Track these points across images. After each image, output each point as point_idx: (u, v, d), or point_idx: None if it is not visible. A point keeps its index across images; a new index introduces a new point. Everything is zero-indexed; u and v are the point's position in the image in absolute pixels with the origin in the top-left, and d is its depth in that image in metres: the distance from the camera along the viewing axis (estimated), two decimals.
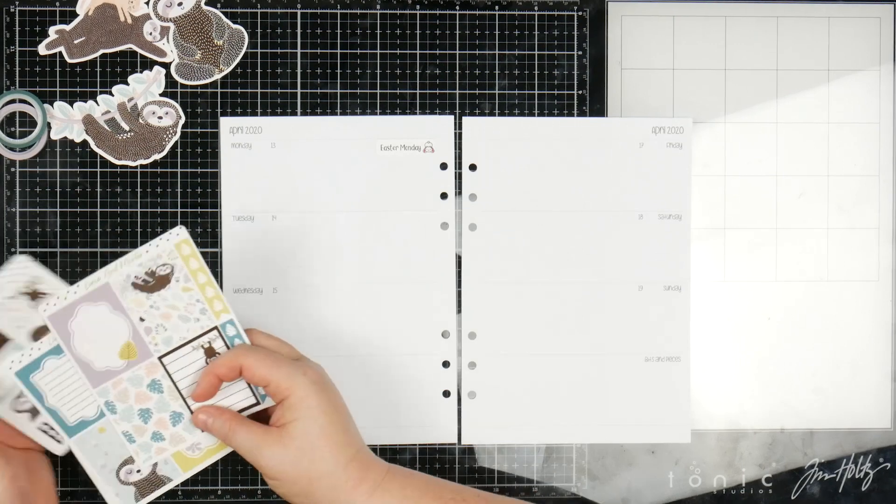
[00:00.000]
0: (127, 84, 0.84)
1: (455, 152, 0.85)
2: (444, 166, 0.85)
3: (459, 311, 0.85)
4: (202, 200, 0.85)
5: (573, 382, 0.85)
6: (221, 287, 0.84)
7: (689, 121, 0.86)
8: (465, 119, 0.85)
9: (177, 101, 0.85)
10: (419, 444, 0.85)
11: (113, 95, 0.84)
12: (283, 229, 0.85)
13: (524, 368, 0.85)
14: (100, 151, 0.84)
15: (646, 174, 0.85)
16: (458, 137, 0.85)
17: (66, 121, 0.84)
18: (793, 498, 0.86)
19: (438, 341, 0.85)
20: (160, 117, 0.84)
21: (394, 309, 0.85)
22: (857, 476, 0.86)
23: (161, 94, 0.85)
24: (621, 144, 0.85)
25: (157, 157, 0.84)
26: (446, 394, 0.85)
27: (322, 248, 0.85)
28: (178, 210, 0.85)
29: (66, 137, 0.84)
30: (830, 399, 0.87)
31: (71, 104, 0.84)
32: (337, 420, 0.75)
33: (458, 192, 0.85)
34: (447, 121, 0.85)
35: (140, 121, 0.84)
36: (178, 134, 0.85)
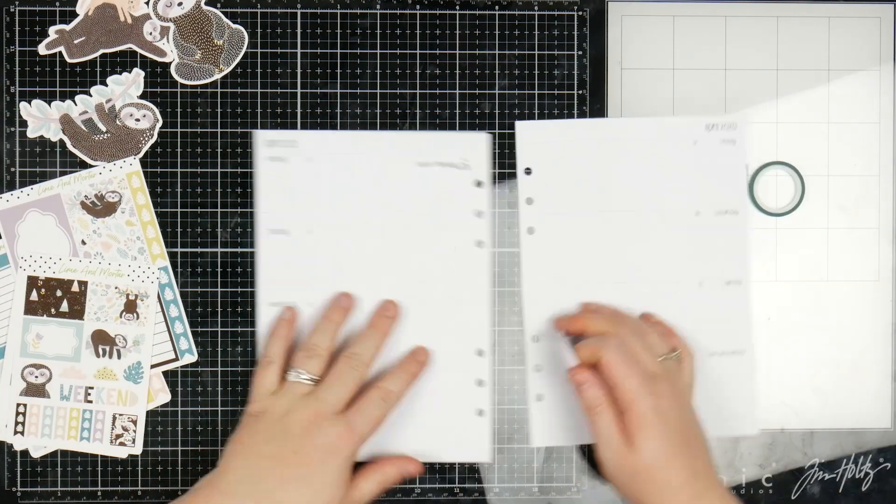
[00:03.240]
0: (105, 85, 0.84)
1: (492, 170, 0.85)
2: (479, 184, 0.85)
3: (494, 327, 0.85)
4: (205, 201, 0.85)
5: None
6: (256, 300, 0.84)
7: (743, 116, 0.85)
8: (518, 123, 0.85)
9: (164, 103, 0.85)
10: (451, 463, 0.85)
11: (91, 96, 0.84)
12: (319, 243, 0.84)
13: None
14: (76, 151, 0.84)
15: (701, 171, 0.85)
16: (495, 155, 0.85)
17: (43, 119, 0.84)
18: (793, 498, 0.86)
19: (473, 359, 0.85)
20: (137, 119, 0.84)
21: (428, 326, 0.85)
22: (857, 476, 0.86)
23: (140, 97, 0.85)
24: (675, 143, 0.85)
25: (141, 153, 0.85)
26: (480, 412, 0.85)
27: (357, 262, 0.84)
28: (172, 210, 0.85)
29: (42, 136, 0.84)
30: (830, 399, 0.87)
31: (49, 103, 0.84)
32: (677, 442, 0.75)
33: (495, 206, 0.85)
34: (483, 138, 0.85)
35: (117, 122, 0.84)
36: (156, 136, 0.85)
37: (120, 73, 0.85)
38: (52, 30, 0.84)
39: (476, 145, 0.85)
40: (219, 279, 0.85)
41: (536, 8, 0.86)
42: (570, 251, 0.85)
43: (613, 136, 0.85)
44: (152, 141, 0.85)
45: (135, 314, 0.84)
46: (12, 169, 0.84)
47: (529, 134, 0.85)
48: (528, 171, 0.85)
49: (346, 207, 0.84)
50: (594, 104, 0.86)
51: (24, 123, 0.84)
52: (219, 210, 0.85)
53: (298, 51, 0.85)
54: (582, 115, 0.86)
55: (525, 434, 0.86)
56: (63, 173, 0.84)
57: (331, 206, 0.84)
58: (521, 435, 0.86)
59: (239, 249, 0.85)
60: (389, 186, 0.84)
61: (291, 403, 0.78)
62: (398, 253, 0.84)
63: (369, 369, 0.81)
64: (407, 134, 0.85)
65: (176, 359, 0.85)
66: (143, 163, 0.84)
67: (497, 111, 0.86)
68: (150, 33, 0.85)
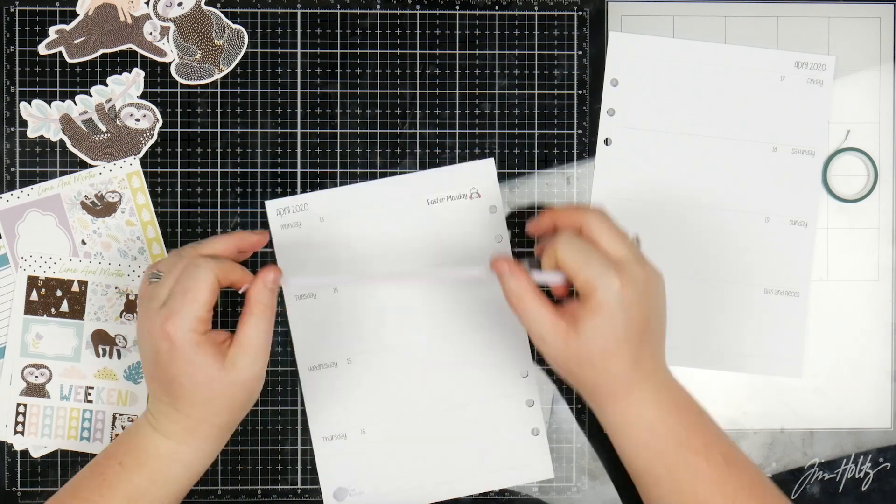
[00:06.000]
0: (105, 85, 0.84)
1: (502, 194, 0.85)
2: (493, 209, 0.85)
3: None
4: (205, 201, 0.85)
5: (692, 306, 0.85)
6: (296, 365, 0.84)
7: (833, 59, 0.85)
8: (611, 34, 0.85)
9: (164, 103, 0.85)
10: (515, 487, 0.85)
11: (91, 96, 0.84)
12: (348, 300, 0.84)
13: None
14: (76, 151, 0.84)
15: (784, 108, 0.85)
16: (499, 178, 0.85)
17: (43, 119, 0.84)
18: (793, 498, 0.86)
19: (519, 382, 0.85)
20: (137, 119, 0.84)
21: (472, 358, 0.85)
22: (857, 476, 0.86)
23: (140, 97, 0.85)
24: (763, 75, 0.85)
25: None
26: (535, 431, 0.85)
27: (389, 311, 0.84)
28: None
29: (43, 136, 0.84)
30: (830, 399, 0.87)
31: (49, 103, 0.84)
32: (629, 329, 0.71)
33: (509, 233, 0.85)
34: (488, 164, 0.85)
35: (117, 122, 0.84)
36: (156, 136, 0.85)
37: (120, 73, 0.85)
38: (52, 30, 0.84)
39: (483, 172, 0.85)
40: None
41: (536, 8, 0.86)
42: (643, 166, 0.85)
43: (704, 59, 0.85)
44: (152, 141, 0.85)
45: (135, 314, 0.84)
46: (12, 169, 0.84)
47: (621, 46, 0.85)
48: (614, 83, 0.85)
49: (366, 259, 0.84)
50: (594, 104, 0.86)
51: (24, 123, 0.84)
52: (219, 210, 0.85)
53: (298, 51, 0.85)
54: (582, 114, 0.86)
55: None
56: (63, 173, 0.84)
57: (352, 260, 0.84)
58: None
59: None
60: (406, 229, 0.84)
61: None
62: (428, 292, 0.84)
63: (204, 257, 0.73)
64: (412, 175, 0.85)
65: None
66: (143, 163, 0.84)
67: (497, 111, 0.86)
68: (150, 33, 0.85)
